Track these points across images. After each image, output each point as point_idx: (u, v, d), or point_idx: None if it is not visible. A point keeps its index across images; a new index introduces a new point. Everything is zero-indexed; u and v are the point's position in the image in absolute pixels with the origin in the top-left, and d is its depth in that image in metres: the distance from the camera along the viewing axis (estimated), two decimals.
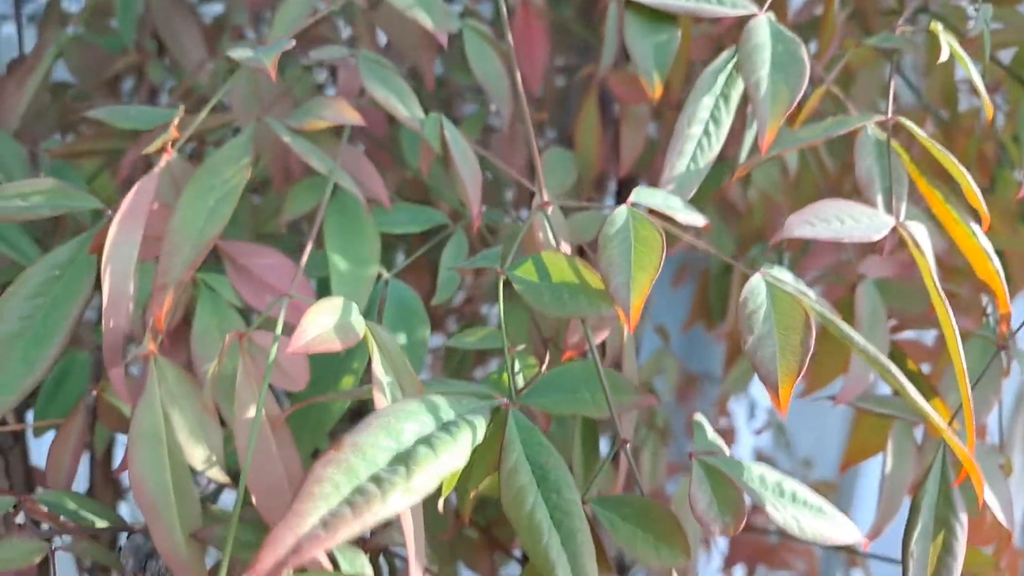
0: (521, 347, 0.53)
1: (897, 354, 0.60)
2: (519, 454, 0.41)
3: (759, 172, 0.65)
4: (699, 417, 0.45)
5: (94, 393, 0.54)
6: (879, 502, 0.61)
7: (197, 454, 0.48)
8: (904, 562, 0.51)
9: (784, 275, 0.43)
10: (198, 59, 0.72)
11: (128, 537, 0.50)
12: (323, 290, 0.55)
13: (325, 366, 0.53)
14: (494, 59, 0.60)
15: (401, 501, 0.32)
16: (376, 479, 0.33)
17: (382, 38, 0.68)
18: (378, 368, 0.39)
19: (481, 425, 0.38)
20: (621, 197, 0.79)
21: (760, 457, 1.24)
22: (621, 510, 0.41)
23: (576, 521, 0.39)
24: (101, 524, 0.49)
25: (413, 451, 0.34)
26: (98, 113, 0.54)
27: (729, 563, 1.18)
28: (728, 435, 1.24)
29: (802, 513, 0.44)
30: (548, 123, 0.81)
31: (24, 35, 0.77)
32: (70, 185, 0.49)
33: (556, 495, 0.40)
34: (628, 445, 0.43)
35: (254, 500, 0.46)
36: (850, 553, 1.21)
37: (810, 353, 0.38)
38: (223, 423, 0.48)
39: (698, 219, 0.44)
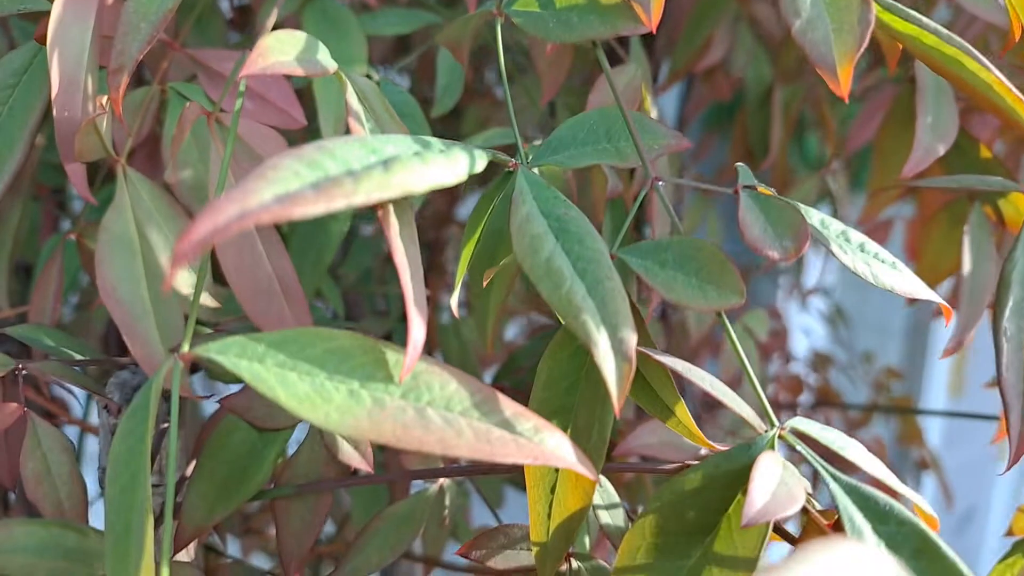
0: (537, 142, 0.47)
1: (967, 139, 0.53)
2: (531, 207, 0.34)
3: None
4: (740, 164, 0.38)
5: (72, 236, 0.49)
6: (959, 309, 0.53)
7: (182, 275, 0.43)
8: (996, 343, 0.44)
9: None
10: None
11: (115, 372, 0.45)
12: None
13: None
14: None
15: (377, 190, 0.27)
16: (349, 173, 0.27)
17: None
18: (352, 99, 0.33)
19: (481, 157, 0.32)
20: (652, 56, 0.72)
21: (818, 355, 1.16)
22: (659, 256, 0.35)
23: (604, 269, 0.33)
24: (80, 357, 0.44)
25: (396, 156, 0.29)
26: None
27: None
28: (782, 335, 1.16)
29: (874, 262, 0.37)
30: None
31: None
32: None
33: (578, 245, 0.33)
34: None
35: (242, 304, 0.41)
36: (921, 451, 1.13)
37: (870, 28, 0.32)
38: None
39: None
